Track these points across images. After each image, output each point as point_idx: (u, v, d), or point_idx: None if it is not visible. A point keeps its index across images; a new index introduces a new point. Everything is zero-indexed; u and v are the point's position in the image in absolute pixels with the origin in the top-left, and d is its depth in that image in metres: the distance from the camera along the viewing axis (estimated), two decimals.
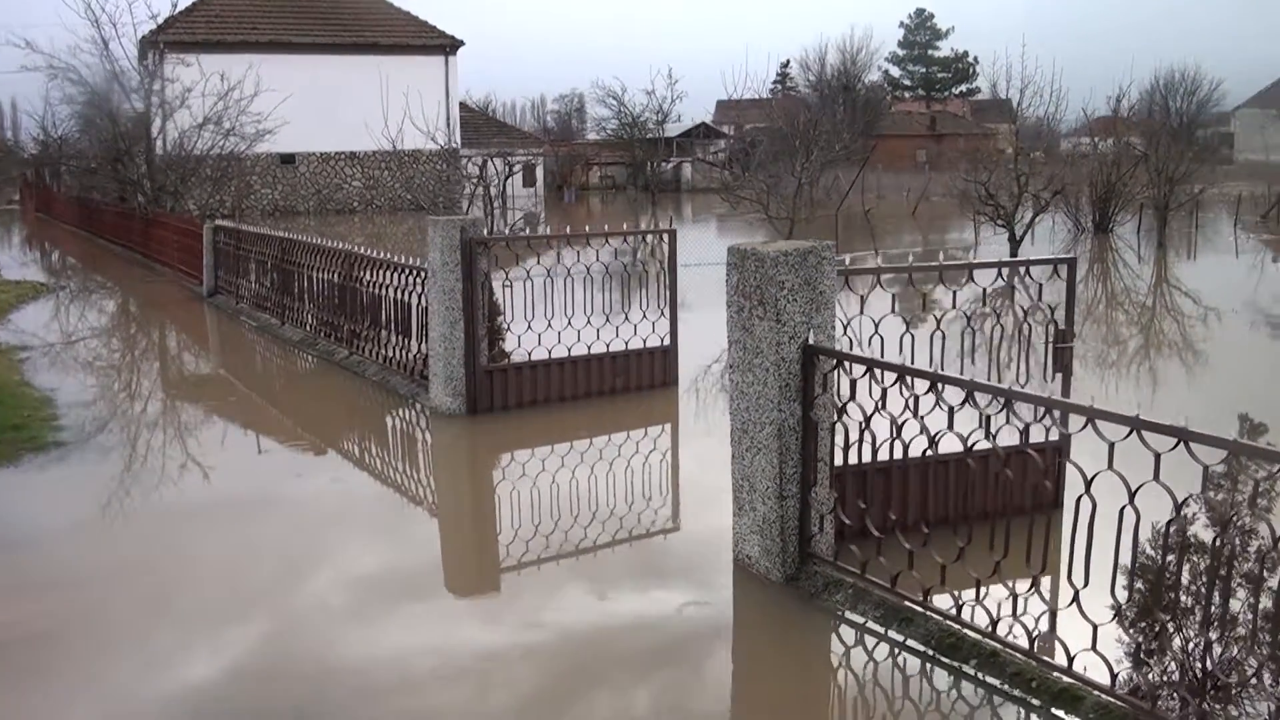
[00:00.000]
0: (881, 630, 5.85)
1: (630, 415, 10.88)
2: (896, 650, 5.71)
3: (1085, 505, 4.81)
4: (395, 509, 8.60)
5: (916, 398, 5.96)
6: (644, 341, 11.38)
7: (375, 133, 34.65)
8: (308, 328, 14.24)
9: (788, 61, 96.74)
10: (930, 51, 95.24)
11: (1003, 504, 7.20)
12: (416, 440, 10.48)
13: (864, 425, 6.19)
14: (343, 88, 36.52)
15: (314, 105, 34.98)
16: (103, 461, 9.45)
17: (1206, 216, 30.75)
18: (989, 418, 5.85)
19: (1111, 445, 4.69)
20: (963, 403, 5.70)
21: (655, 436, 10.31)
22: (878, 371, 6.00)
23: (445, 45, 41.03)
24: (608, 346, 11.15)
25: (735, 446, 6.54)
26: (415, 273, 11.21)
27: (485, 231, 10.45)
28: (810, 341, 6.20)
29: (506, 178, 46.89)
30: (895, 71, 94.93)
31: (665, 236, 11.42)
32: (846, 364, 6.15)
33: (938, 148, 79.08)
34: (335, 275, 13.24)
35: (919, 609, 5.78)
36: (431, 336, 10.57)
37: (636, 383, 11.40)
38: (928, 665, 5.54)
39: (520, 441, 10.01)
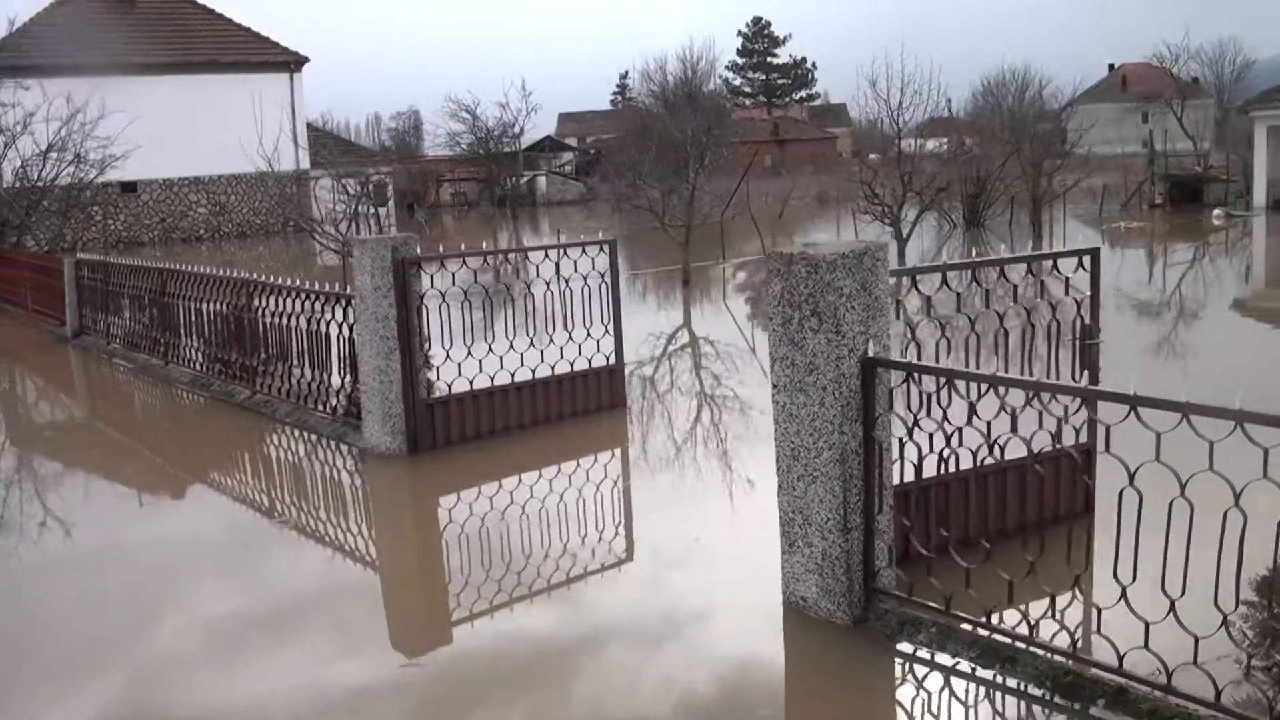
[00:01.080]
0: (978, 672, 5.21)
1: (581, 442, 10.05)
2: (1001, 694, 5.08)
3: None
4: (336, 567, 7.53)
5: (972, 405, 5.43)
6: (589, 362, 10.56)
7: (220, 156, 32.58)
8: (197, 366, 12.83)
9: (626, 73, 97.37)
10: (769, 59, 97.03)
11: (1058, 510, 6.81)
12: (352, 487, 9.34)
13: (943, 438, 5.57)
14: (184, 109, 34.18)
15: (155, 129, 32.60)
16: None
17: (1076, 209, 31.71)
18: (1060, 421, 5.43)
19: (1158, 435, 4.38)
20: (1023, 406, 5.21)
21: (610, 464, 9.50)
22: (940, 380, 5.39)
23: (289, 62, 39.04)
24: (552, 369, 10.26)
25: (783, 476, 5.80)
26: (335, 299, 10.09)
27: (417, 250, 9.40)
28: (870, 353, 5.52)
29: (359, 198, 45.14)
30: (736, 79, 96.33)
31: (604, 248, 10.62)
32: (915, 376, 5.50)
33: (782, 153, 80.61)
34: (231, 307, 11.93)
35: (1021, 645, 5.15)
36: (363, 370, 9.48)
37: (584, 406, 10.55)
38: (1045, 711, 4.92)
39: (471, 481, 9.00)
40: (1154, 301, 18.24)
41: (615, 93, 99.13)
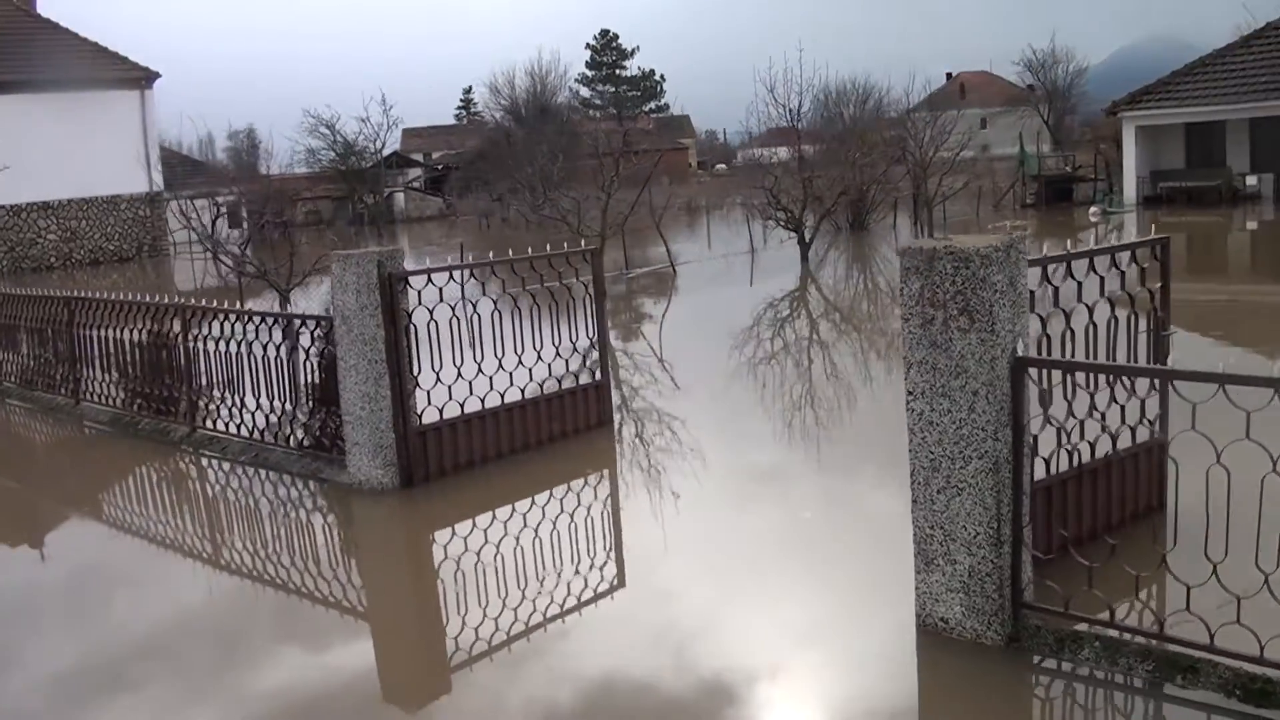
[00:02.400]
0: (1156, 686, 4.85)
1: (577, 464, 9.42)
2: (1182, 709, 4.73)
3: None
4: (337, 624, 6.72)
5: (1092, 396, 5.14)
6: (576, 379, 9.92)
7: (69, 179, 30.32)
8: (116, 403, 11.57)
9: (470, 87, 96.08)
10: (618, 71, 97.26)
11: (1138, 504, 6.59)
12: (344, 529, 8.44)
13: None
14: (28, 130, 31.56)
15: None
16: None
17: (953, 211, 32.44)
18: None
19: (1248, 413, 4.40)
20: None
21: (608, 488, 8.88)
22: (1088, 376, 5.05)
23: (140, 78, 36.55)
24: (541, 388, 9.60)
25: (920, 490, 5.34)
26: (306, 322, 9.17)
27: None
28: (1020, 352, 5.12)
29: (216, 219, 42.93)
30: (585, 92, 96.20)
31: (585, 257, 10.00)
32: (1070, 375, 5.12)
33: (635, 164, 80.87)
34: (159, 335, 10.77)
35: (1202, 653, 4.81)
36: (347, 397, 8.59)
37: (572, 426, 9.90)
38: None
39: (473, 515, 8.19)
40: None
41: (460, 107, 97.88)
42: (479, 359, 9.12)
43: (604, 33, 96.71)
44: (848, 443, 9.82)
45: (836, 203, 24.86)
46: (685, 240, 32.06)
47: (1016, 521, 5.22)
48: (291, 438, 9.50)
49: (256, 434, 9.80)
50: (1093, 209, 30.76)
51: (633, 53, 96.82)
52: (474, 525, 8.05)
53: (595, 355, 10.11)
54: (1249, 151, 30.64)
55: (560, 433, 9.77)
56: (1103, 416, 5.54)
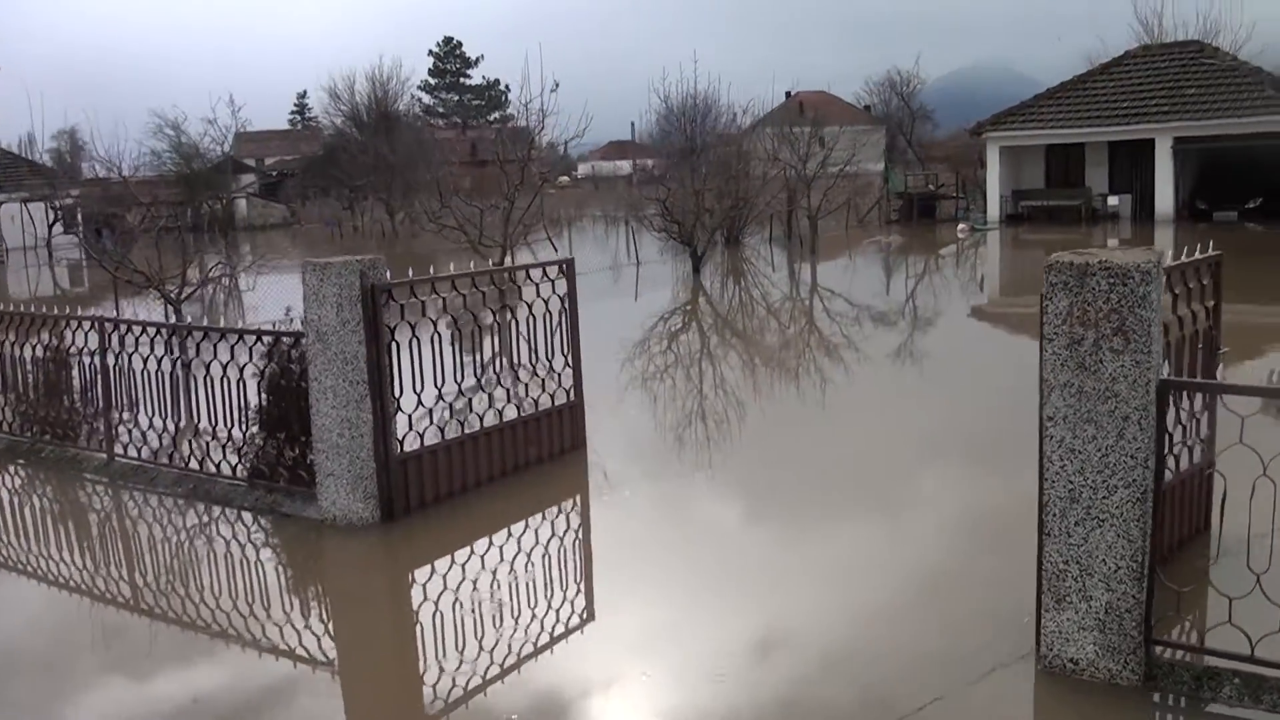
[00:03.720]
0: None
1: (552, 490, 8.78)
2: None
3: None
4: (310, 680, 5.92)
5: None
6: (552, 399, 9.25)
7: None
8: (10, 428, 10.22)
9: (305, 92, 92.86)
10: (462, 80, 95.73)
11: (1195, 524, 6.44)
12: (318, 570, 7.55)
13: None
14: None
15: None
16: None
17: (823, 224, 32.89)
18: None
19: None
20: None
21: (590, 516, 8.29)
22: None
23: None
24: (519, 410, 8.90)
25: (1056, 522, 4.96)
26: (263, 339, 8.21)
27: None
28: (1166, 375, 4.82)
29: (53, 224, 39.91)
30: (428, 100, 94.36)
31: (561, 268, 9.35)
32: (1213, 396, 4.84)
33: (480, 174, 79.52)
34: (61, 352, 9.56)
35: None
36: (322, 423, 7.70)
37: (547, 450, 9.23)
38: None
39: (457, 549, 7.51)
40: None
41: (294, 113, 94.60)
42: (459, 378, 8.39)
43: (447, 40, 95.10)
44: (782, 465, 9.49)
45: (728, 216, 24.72)
46: (558, 252, 31.48)
47: (1153, 553, 4.91)
48: (239, 467, 8.51)
49: (196, 462, 8.75)
50: (961, 226, 31.70)
51: (477, 61, 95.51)
52: (453, 561, 7.35)
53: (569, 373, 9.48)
54: (1108, 173, 32.16)
55: (538, 457, 9.10)
56: (1171, 438, 5.30)
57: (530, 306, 8.98)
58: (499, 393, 8.72)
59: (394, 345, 7.80)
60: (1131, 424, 4.71)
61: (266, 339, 8.26)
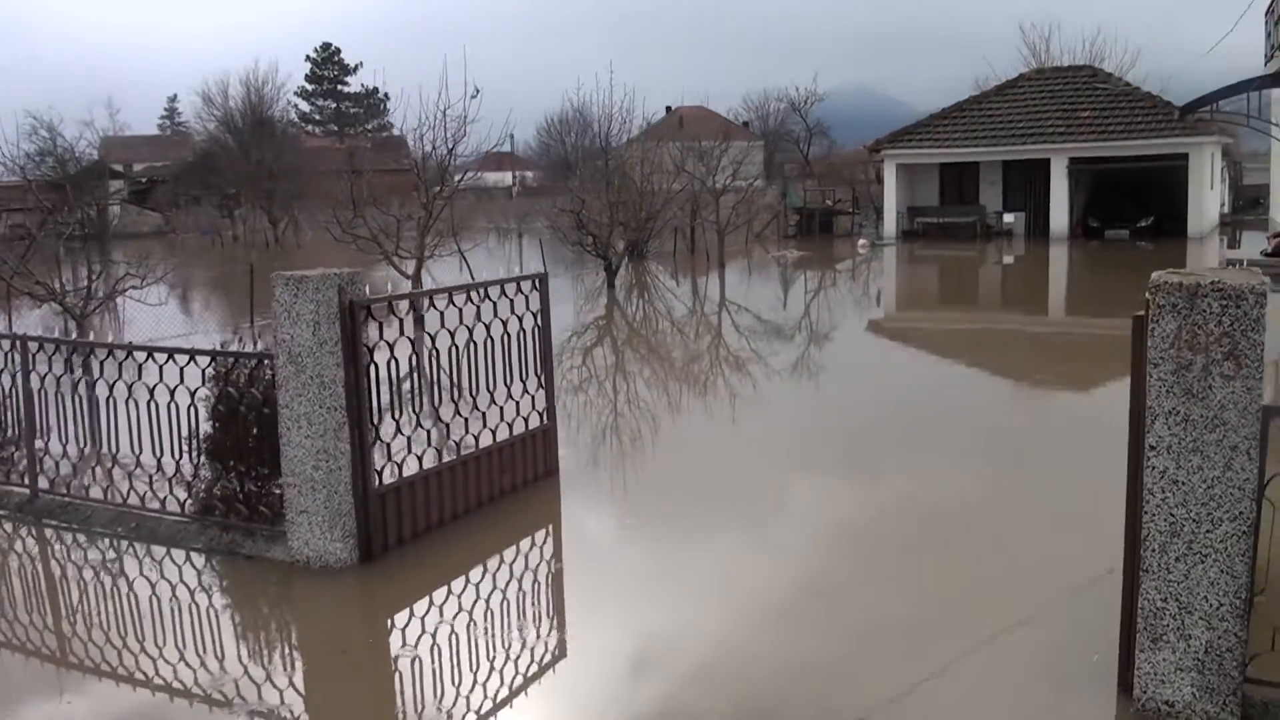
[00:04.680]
0: None
1: (532, 518, 8.25)
2: None
3: None
4: None
5: None
6: (526, 422, 8.70)
7: None
8: None
9: (175, 95, 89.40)
10: (340, 86, 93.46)
11: None
12: (289, 619, 6.83)
13: None
14: None
15: None
16: None
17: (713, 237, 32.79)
18: None
19: None
20: None
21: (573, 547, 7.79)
22: None
23: None
24: (494, 435, 8.33)
25: (1154, 557, 4.68)
26: (227, 361, 7.45)
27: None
28: (1268, 400, 4.59)
29: None
30: (305, 106, 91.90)
31: (535, 283, 8.82)
32: None
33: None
34: None
35: None
36: (294, 455, 6.99)
37: (521, 477, 8.67)
38: None
39: (434, 589, 6.93)
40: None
41: (164, 117, 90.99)
42: (437, 402, 7.78)
43: (325, 45, 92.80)
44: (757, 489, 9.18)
45: (644, 228, 24.40)
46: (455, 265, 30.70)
47: (1250, 589, 4.68)
48: (188, 503, 7.71)
49: (135, 498, 7.91)
50: (861, 241, 32.07)
51: (355, 68, 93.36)
52: (431, 603, 6.80)
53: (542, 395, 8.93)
54: (1001, 191, 32.98)
55: (512, 485, 8.53)
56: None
57: (505, 324, 8.43)
58: (474, 417, 8.14)
59: (373, 368, 7.16)
60: (1240, 453, 4.47)
61: (221, 360, 7.51)
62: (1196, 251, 27.32)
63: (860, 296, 23.67)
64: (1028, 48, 41.49)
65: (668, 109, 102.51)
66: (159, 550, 7.58)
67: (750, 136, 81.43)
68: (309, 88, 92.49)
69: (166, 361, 7.66)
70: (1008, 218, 32.13)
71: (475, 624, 6.37)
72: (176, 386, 7.61)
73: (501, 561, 7.42)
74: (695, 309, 21.33)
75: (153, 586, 7.03)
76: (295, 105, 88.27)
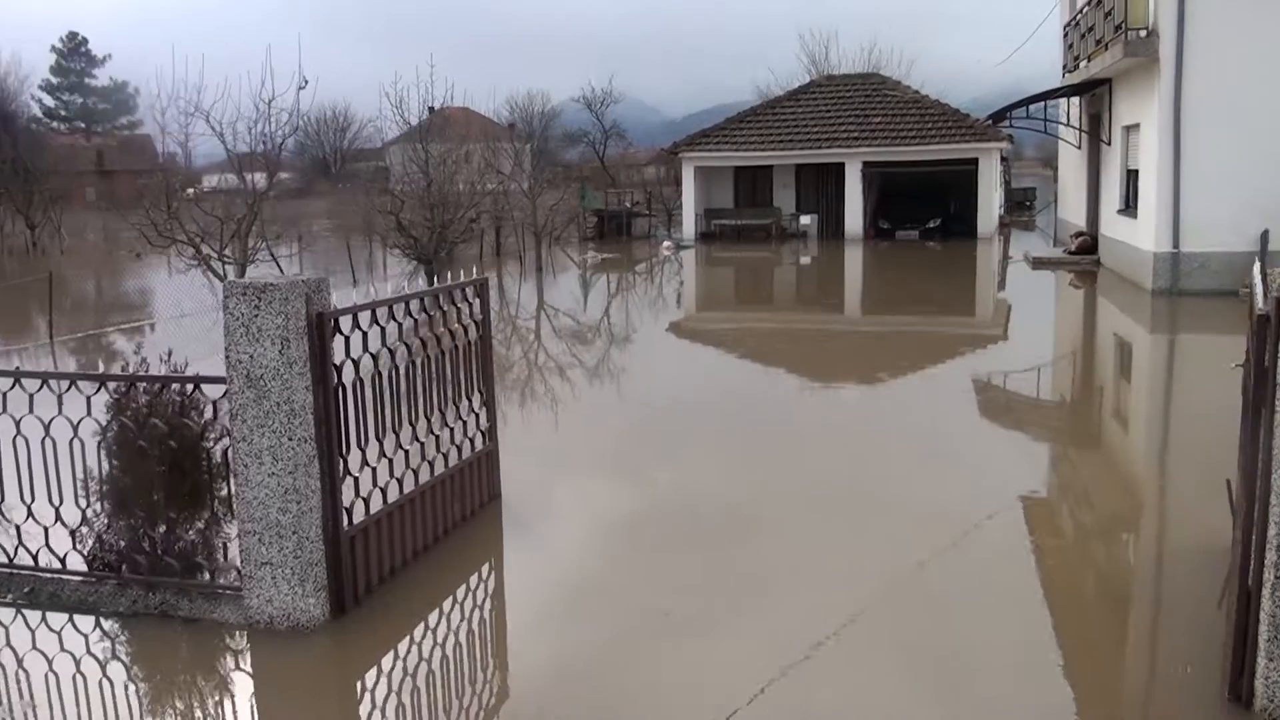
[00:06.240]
0: None
1: (481, 549, 7.45)
2: None
3: None
4: None
5: None
6: (471, 444, 7.82)
7: None
8: None
9: None
10: (87, 80, 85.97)
11: None
12: (255, 701, 5.73)
13: None
14: None
15: None
16: None
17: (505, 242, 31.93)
18: None
19: None
20: None
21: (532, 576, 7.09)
22: None
23: None
24: (446, 460, 7.43)
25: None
26: (160, 385, 6.21)
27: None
28: None
29: None
30: (50, 101, 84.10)
31: (475, 289, 7.95)
32: None
33: (109, 184, 71.16)
34: None
35: None
36: (253, 497, 5.88)
37: (470, 506, 7.80)
38: None
39: (398, 642, 6.08)
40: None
41: None
42: (397, 427, 6.81)
43: (72, 35, 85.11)
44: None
45: (466, 231, 23.35)
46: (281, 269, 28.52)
47: None
48: (98, 559, 6.40)
49: (28, 556, 6.50)
50: (666, 243, 32.15)
51: (104, 60, 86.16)
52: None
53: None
54: (795, 194, 33.84)
55: (461, 515, 7.65)
56: None
57: (454, 335, 7.53)
58: (427, 442, 7.21)
59: (341, 390, 6.15)
60: None
61: (144, 387, 6.27)
62: (985, 250, 28.97)
63: (671, 298, 23.59)
64: (807, 55, 42.98)
65: (430, 110, 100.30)
66: (60, 619, 6.24)
67: (515, 137, 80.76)
68: (55, 81, 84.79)
69: (67, 390, 6.33)
70: (804, 219, 33.02)
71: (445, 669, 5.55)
72: (81, 420, 6.30)
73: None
74: (514, 313, 20.57)
75: (78, 666, 5.75)
76: (40, 100, 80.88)
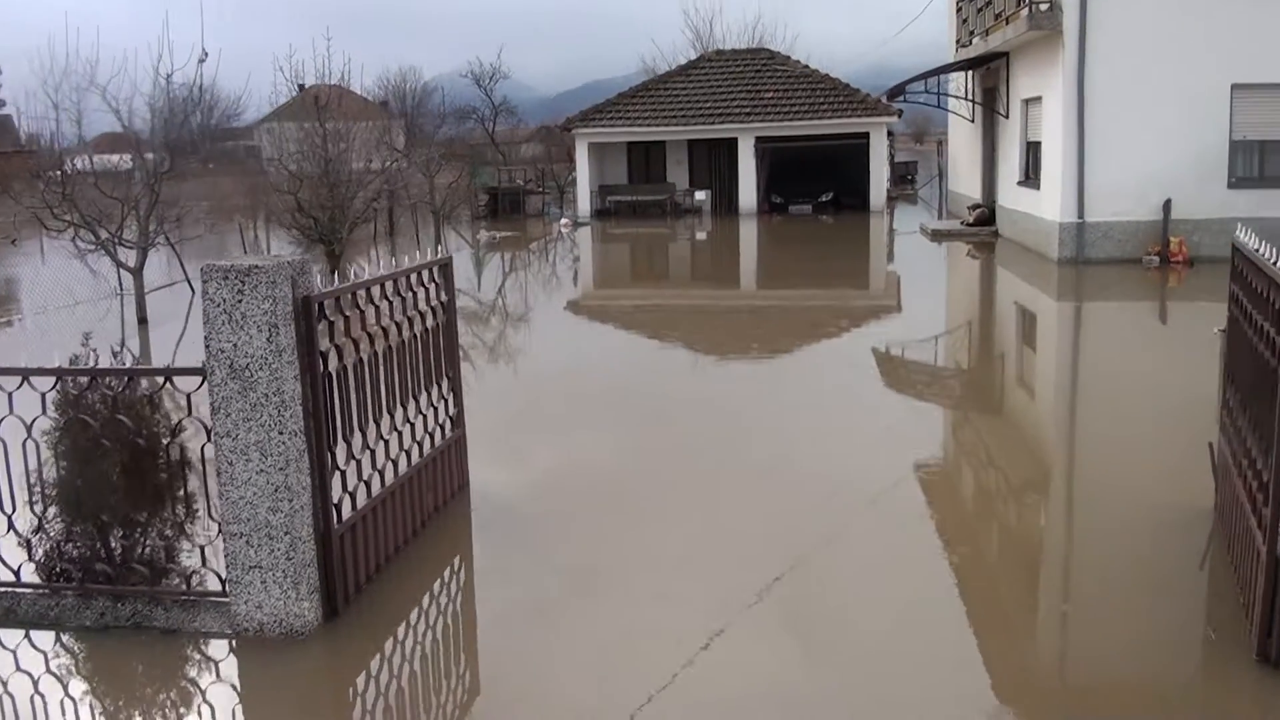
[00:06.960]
0: None
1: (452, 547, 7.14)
2: None
3: None
4: None
5: None
6: (442, 432, 7.46)
7: None
8: None
9: None
10: None
11: None
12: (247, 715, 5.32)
13: None
14: None
15: None
16: None
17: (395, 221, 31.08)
18: None
19: None
20: None
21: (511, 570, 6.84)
22: None
23: None
24: (421, 451, 7.06)
25: None
26: (125, 379, 5.67)
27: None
28: None
29: None
30: None
31: (441, 269, 7.56)
32: None
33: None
34: None
35: None
36: (239, 497, 5.44)
37: (442, 497, 7.45)
38: None
39: (386, 643, 5.78)
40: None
41: None
42: (377, 416, 6.41)
43: None
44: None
45: (367, 211, 22.51)
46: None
47: None
48: (58, 569, 5.86)
49: None
50: (563, 220, 31.75)
51: None
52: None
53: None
54: (688, 169, 33.77)
55: (435, 506, 7.29)
56: None
57: (423, 319, 7.14)
58: (402, 430, 6.83)
59: (329, 378, 5.74)
60: None
61: (108, 381, 5.73)
62: (878, 224, 29.42)
63: (567, 276, 23.30)
64: (691, 30, 42.88)
65: (301, 87, 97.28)
66: (18, 635, 5.69)
67: (389, 115, 78.87)
68: None
69: (19, 387, 5.74)
70: (698, 195, 32.99)
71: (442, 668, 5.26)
72: (34, 420, 5.73)
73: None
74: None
75: (36, 690, 5.23)
76: None
